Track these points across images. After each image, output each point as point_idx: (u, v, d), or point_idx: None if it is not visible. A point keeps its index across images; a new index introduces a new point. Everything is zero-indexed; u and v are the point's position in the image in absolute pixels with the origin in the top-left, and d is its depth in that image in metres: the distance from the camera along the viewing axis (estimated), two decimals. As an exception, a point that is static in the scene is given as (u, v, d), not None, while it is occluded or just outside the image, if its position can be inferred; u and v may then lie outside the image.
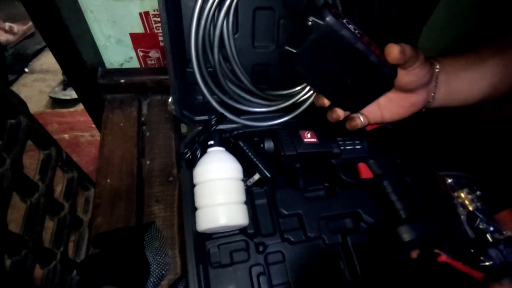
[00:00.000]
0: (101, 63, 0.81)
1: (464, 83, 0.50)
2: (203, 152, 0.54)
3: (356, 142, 0.58)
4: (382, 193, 0.55)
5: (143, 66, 0.83)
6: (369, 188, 0.58)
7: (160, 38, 0.78)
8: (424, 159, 0.61)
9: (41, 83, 1.98)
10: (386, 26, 0.60)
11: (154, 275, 0.53)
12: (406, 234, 0.49)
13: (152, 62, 0.82)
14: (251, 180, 0.53)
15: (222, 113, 0.58)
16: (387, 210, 0.55)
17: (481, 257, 0.54)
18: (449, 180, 0.62)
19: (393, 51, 0.40)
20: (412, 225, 0.50)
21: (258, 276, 0.49)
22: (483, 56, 0.49)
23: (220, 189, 0.49)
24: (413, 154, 0.62)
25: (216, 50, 0.53)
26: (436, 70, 0.48)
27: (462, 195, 0.59)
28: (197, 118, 0.59)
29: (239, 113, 0.59)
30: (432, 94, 0.49)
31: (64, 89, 1.87)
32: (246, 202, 0.52)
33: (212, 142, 0.54)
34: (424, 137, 0.67)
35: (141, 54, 0.80)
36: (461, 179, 0.62)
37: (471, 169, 0.64)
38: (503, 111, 0.63)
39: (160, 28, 0.75)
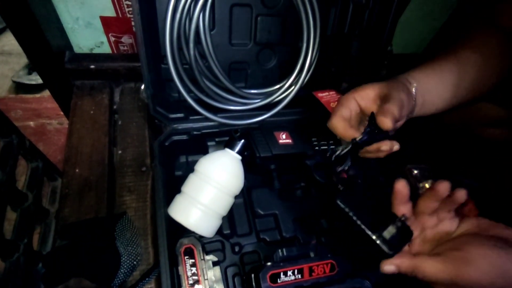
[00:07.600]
0: (69, 47, 0.76)
1: (434, 97, 0.51)
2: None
3: (331, 143, 0.59)
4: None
5: (115, 52, 0.79)
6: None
7: (133, 23, 0.73)
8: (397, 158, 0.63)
9: (2, 66, 1.85)
10: (358, 29, 0.60)
11: (125, 266, 0.52)
12: None
13: (125, 48, 0.78)
14: None
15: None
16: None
17: None
18: (415, 172, 0.65)
19: (386, 124, 0.43)
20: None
21: (233, 277, 0.50)
22: (443, 67, 0.51)
23: (209, 196, 0.47)
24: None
25: (192, 45, 0.51)
26: (413, 101, 0.49)
27: (427, 185, 0.63)
28: (172, 115, 0.57)
29: (215, 111, 0.58)
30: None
31: (29, 73, 1.75)
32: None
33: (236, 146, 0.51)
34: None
35: (112, 39, 0.76)
36: (426, 171, 0.65)
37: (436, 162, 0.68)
38: (460, 115, 0.67)
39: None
